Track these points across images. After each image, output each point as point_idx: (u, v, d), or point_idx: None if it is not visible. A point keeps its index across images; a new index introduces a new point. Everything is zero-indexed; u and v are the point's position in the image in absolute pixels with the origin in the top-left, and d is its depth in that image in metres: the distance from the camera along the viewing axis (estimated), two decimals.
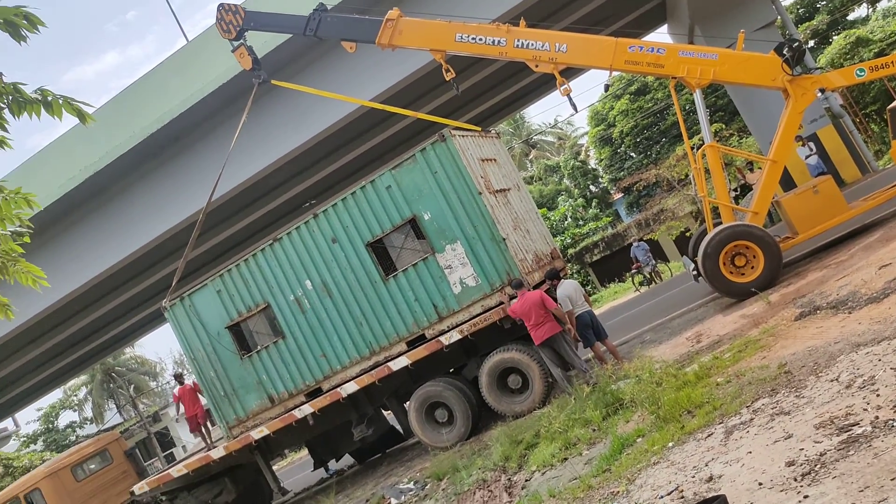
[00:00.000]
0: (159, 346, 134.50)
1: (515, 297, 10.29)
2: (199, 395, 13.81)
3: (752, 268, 10.97)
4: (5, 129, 4.62)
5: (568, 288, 10.68)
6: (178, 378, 14.93)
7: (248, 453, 12.82)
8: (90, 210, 19.73)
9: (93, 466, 14.71)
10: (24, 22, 4.22)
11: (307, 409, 11.87)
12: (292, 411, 12.04)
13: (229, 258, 25.08)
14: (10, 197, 4.77)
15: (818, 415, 5.35)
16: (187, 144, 18.84)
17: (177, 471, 13.34)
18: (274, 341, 12.25)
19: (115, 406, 46.39)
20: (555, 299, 10.46)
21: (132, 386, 45.92)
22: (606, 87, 21.10)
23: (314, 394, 12.11)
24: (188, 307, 12.70)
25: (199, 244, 21.70)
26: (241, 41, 13.05)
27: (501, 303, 10.70)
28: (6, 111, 4.48)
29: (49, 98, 4.58)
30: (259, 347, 12.39)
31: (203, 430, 14.21)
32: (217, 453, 12.76)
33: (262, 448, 12.90)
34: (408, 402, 11.77)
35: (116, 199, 19.66)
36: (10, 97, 4.44)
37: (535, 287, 11.01)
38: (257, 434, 12.25)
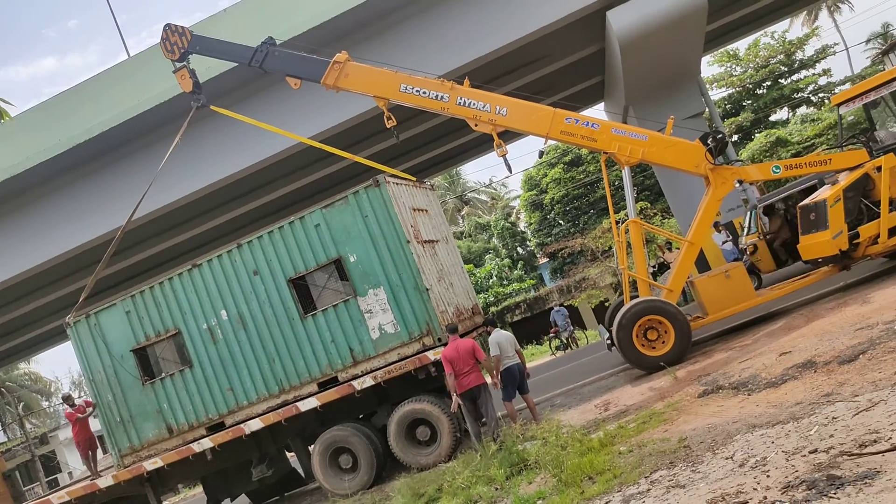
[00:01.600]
0: (57, 365, 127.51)
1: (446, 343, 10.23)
2: (92, 419, 13.14)
3: (663, 343, 11.31)
4: None
5: (500, 336, 10.71)
6: (68, 400, 14.17)
7: (139, 485, 12.21)
8: (3, 214, 18.86)
9: None
10: None
11: (206, 444, 11.46)
12: (191, 444, 11.60)
13: (144, 281, 24.27)
14: None
15: (711, 490, 5.51)
16: (115, 159, 18.36)
17: (58, 498, 12.57)
18: (180, 369, 11.85)
19: None
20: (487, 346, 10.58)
21: (21, 403, 43.29)
22: (541, 154, 21.80)
23: (216, 428, 11.71)
24: (93, 326, 12.19)
25: (114, 262, 20.94)
26: (185, 63, 12.91)
27: (419, 352, 10.69)
28: None
29: None
30: (164, 375, 11.95)
31: (91, 456, 13.47)
32: (104, 482, 12.11)
33: (153, 481, 12.30)
34: (312, 445, 11.51)
35: (33, 206, 18.90)
36: None
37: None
38: (150, 465, 11.71)
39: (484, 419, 10.41)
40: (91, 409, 13.23)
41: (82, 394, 42.55)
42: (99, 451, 14.12)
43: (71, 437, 13.61)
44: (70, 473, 39.30)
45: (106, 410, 12.16)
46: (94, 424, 13.51)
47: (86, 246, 19.13)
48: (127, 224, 13.57)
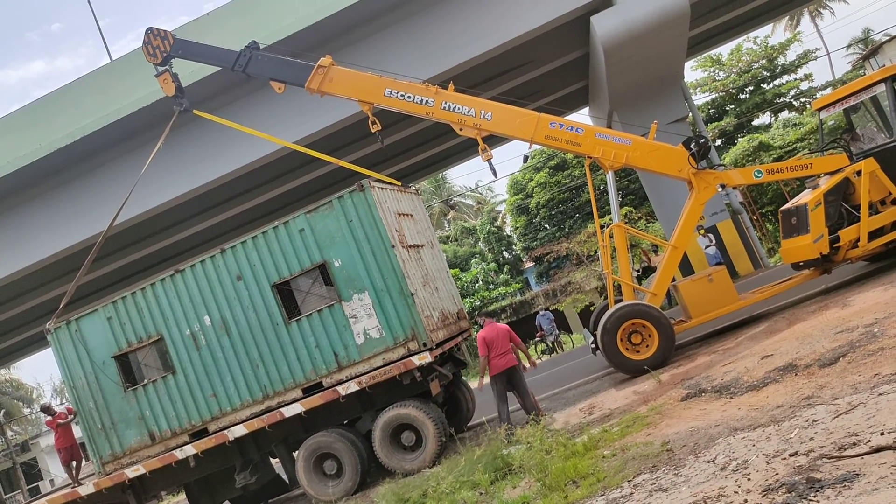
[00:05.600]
0: (39, 372, 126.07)
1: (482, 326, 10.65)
2: (74, 427, 12.99)
3: (647, 346, 11.35)
4: None
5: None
6: (47, 410, 13.92)
7: (121, 492, 12.09)
8: None
9: None
10: None
11: (189, 450, 11.37)
12: (173, 451, 11.50)
13: (126, 287, 24.09)
14: None
15: (693, 494, 5.53)
16: (97, 164, 18.22)
17: None
18: (163, 376, 11.76)
19: None
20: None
21: (2, 410, 42.79)
22: (525, 158, 21.75)
23: (199, 434, 11.62)
24: (74, 332, 12.07)
25: (95, 268, 20.79)
26: (167, 67, 12.84)
27: (403, 357, 10.67)
28: None
29: None
30: (146, 381, 11.86)
31: (73, 464, 13.32)
32: (85, 490, 11.98)
33: (135, 488, 12.18)
34: (297, 451, 11.45)
35: (13, 211, 18.72)
36: None
37: (440, 344, 11.08)
38: (132, 472, 11.61)
39: (522, 400, 10.68)
40: (72, 415, 13.08)
41: (63, 400, 42.15)
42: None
43: (52, 444, 13.38)
44: (52, 481, 38.88)
45: (87, 417, 12.04)
46: (77, 432, 13.36)
47: (67, 251, 18.95)
48: (108, 230, 13.48)
